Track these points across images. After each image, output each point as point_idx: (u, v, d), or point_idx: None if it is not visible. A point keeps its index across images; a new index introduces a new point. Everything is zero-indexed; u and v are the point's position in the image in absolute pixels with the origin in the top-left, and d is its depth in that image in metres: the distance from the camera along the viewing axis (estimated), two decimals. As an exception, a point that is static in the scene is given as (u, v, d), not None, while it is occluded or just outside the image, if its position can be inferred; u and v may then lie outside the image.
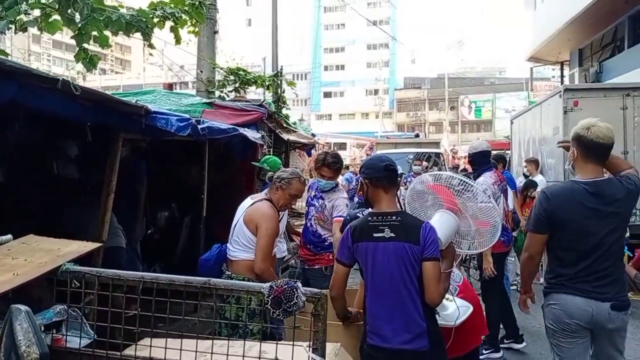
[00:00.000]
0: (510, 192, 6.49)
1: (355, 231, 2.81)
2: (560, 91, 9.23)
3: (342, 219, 4.83)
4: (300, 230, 7.94)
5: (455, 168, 18.40)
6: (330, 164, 4.73)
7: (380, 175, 2.81)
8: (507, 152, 16.53)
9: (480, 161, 5.39)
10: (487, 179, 5.11)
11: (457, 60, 59.87)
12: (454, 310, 3.07)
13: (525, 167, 9.45)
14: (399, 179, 3.75)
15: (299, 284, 2.00)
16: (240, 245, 3.69)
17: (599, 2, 13.86)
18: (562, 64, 21.74)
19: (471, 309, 3.22)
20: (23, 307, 1.35)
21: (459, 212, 2.97)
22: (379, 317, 2.75)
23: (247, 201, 3.89)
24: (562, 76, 22.32)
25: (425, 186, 3.09)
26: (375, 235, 2.73)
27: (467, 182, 2.99)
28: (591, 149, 3.00)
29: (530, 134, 11.69)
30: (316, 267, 4.79)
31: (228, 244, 3.89)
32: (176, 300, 2.10)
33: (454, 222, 2.95)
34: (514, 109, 33.48)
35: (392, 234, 2.70)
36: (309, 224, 4.90)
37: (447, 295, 3.17)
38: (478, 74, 65.06)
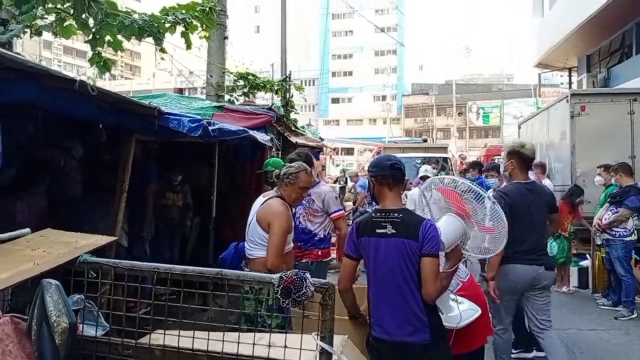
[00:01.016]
0: None
1: (359, 226, 2.94)
2: (568, 96, 9.28)
3: (342, 212, 5.00)
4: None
5: (463, 172, 18.36)
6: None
7: (386, 173, 2.92)
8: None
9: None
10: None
11: (465, 66, 59.89)
12: (457, 314, 3.12)
13: (532, 170, 9.49)
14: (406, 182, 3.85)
15: (308, 275, 2.07)
16: (255, 244, 3.77)
17: (607, 9, 13.87)
18: (570, 70, 21.71)
19: (479, 312, 3.25)
20: (53, 281, 1.44)
21: (466, 217, 3.03)
22: (382, 310, 2.85)
23: (259, 199, 3.96)
24: (570, 82, 22.28)
25: (436, 188, 3.16)
26: (378, 231, 2.83)
27: (474, 188, 3.05)
28: (528, 160, 4.39)
29: (537, 139, 11.70)
30: (303, 261, 4.75)
31: (245, 243, 3.98)
32: (190, 290, 2.18)
33: (461, 226, 3.00)
34: (522, 115, 33.40)
35: (394, 230, 2.79)
36: (296, 223, 4.74)
37: (455, 297, 3.24)
38: (486, 80, 65.02)
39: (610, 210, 7.20)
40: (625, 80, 14.23)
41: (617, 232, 7.10)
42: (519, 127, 14.03)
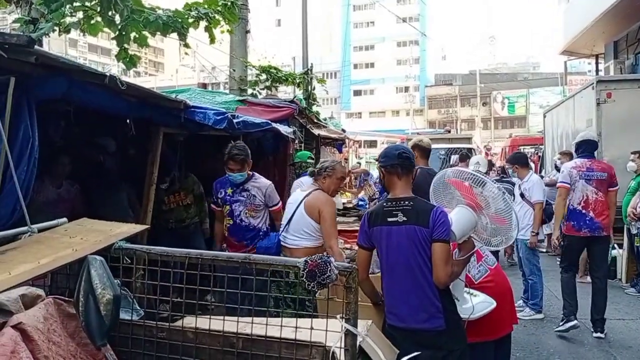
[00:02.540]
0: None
1: (371, 216, 3.00)
2: (593, 83, 9.14)
3: (281, 204, 4.94)
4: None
5: (490, 164, 18.17)
6: (235, 155, 4.54)
7: (394, 162, 2.96)
8: (540, 146, 16.34)
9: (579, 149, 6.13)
10: (570, 163, 6.16)
11: (489, 55, 59.07)
12: (470, 306, 3.14)
13: (560, 159, 9.36)
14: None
15: (332, 259, 2.14)
16: (302, 233, 4.09)
17: (634, -8, 13.56)
18: (597, 56, 21.25)
19: (494, 305, 3.25)
20: (98, 257, 1.54)
21: (477, 208, 3.05)
22: (396, 298, 2.90)
23: (299, 194, 4.29)
24: (597, 69, 21.81)
25: (447, 180, 3.18)
26: (389, 219, 2.89)
27: (481, 178, 3.06)
28: (427, 150, 5.16)
29: (563, 128, 11.56)
30: None
31: (283, 233, 4.24)
32: (219, 274, 2.27)
33: (472, 217, 3.02)
34: (548, 104, 32.89)
35: (405, 218, 2.84)
36: (238, 221, 4.68)
37: (470, 291, 3.25)
38: (511, 69, 64.08)
39: None
40: (654, 66, 13.92)
41: None
42: (544, 116, 13.85)
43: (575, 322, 5.73)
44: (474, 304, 3.14)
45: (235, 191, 4.69)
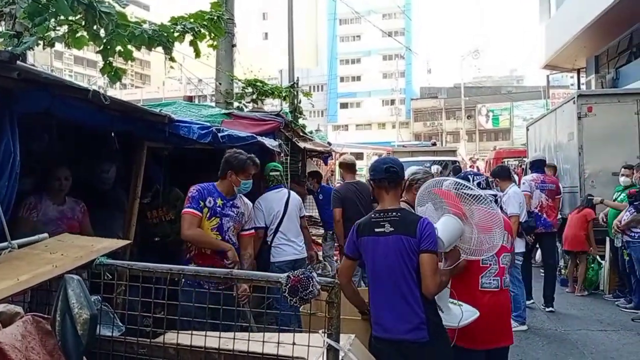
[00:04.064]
0: None
1: (359, 227, 3.03)
2: (574, 97, 9.29)
3: (254, 232, 4.64)
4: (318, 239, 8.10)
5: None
6: (254, 160, 4.36)
7: (382, 176, 3.02)
8: (524, 159, 16.52)
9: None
10: (529, 177, 8.05)
11: (474, 69, 59.77)
12: (459, 312, 3.15)
13: (544, 171, 9.49)
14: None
15: (314, 274, 2.14)
16: None
17: (614, 9, 13.84)
18: (578, 71, 21.63)
19: (477, 314, 3.27)
20: (75, 276, 1.54)
21: (464, 217, 3.08)
22: (380, 308, 2.93)
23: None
24: (579, 83, 22.18)
25: (431, 191, 3.22)
26: (376, 230, 2.93)
27: (466, 186, 3.10)
28: (351, 166, 6.86)
29: (546, 141, 11.71)
30: None
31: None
32: (202, 290, 2.26)
33: (459, 226, 3.05)
34: (531, 117, 33.31)
35: (392, 228, 2.88)
36: (227, 238, 4.15)
37: (455, 301, 3.27)
38: (495, 82, 64.86)
39: (629, 211, 7.17)
40: (634, 80, 14.17)
41: (637, 233, 7.05)
42: (527, 129, 14.03)
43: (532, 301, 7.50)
44: (463, 311, 3.16)
45: (226, 204, 4.19)
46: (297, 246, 5.52)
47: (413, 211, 3.21)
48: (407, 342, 2.83)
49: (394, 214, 2.93)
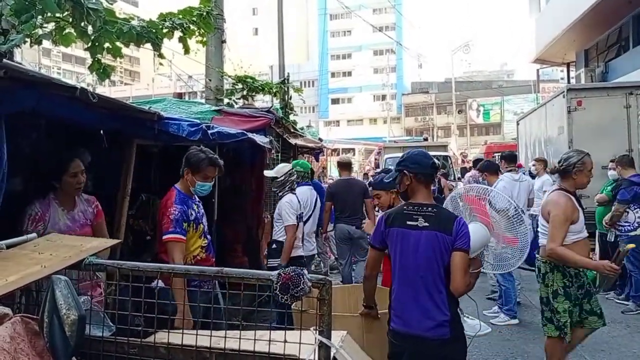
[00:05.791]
0: None
1: (389, 218, 2.99)
2: (564, 91, 9.35)
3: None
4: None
5: (464, 170, 18.43)
6: (216, 160, 3.92)
7: (427, 172, 2.99)
8: (515, 153, 16.59)
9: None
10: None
11: (465, 64, 59.92)
12: (478, 323, 3.18)
13: (534, 165, 9.53)
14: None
15: (305, 271, 2.14)
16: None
17: (603, 3, 13.93)
18: (568, 65, 21.76)
19: (489, 330, 3.31)
20: (62, 277, 1.52)
21: (490, 226, 3.09)
22: (404, 303, 2.88)
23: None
24: (568, 77, 22.32)
25: (461, 197, 3.23)
26: (408, 222, 2.89)
27: (502, 196, 3.12)
28: (344, 165, 7.82)
29: (536, 135, 11.78)
30: None
31: None
32: (191, 289, 2.25)
33: (486, 234, 3.06)
34: (522, 111, 33.49)
35: (426, 224, 2.84)
36: (209, 238, 4.07)
37: (468, 315, 3.29)
38: (486, 77, 65.06)
39: (614, 206, 7.21)
40: (623, 74, 14.28)
41: (622, 227, 7.09)
42: (518, 124, 14.10)
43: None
44: (481, 324, 3.18)
45: (199, 205, 3.98)
46: (309, 244, 5.81)
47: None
48: (428, 339, 2.79)
49: (428, 209, 2.90)
